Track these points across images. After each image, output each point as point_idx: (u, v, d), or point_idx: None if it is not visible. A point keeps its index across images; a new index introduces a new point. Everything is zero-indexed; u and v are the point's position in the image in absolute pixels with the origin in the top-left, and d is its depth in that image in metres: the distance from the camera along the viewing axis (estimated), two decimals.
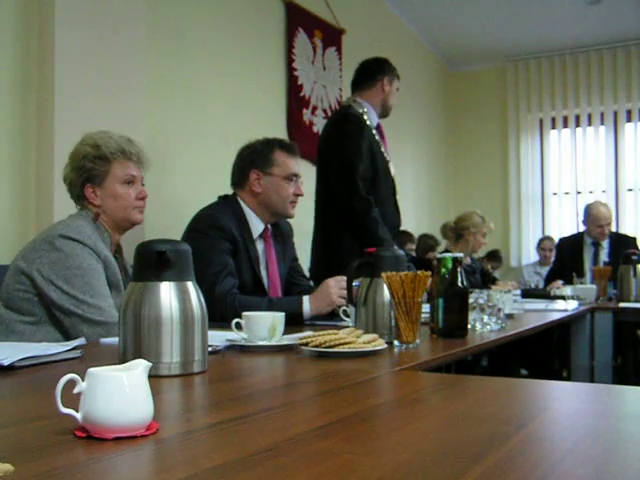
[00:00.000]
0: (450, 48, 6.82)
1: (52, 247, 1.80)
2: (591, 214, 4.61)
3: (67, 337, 1.79)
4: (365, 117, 3.02)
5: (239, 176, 2.41)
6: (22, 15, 2.49)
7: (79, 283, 1.78)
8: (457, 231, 4.31)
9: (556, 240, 6.55)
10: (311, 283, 2.66)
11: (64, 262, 1.79)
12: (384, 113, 3.17)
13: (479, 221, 4.29)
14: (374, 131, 3.04)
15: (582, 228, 4.89)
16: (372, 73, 3.14)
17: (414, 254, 5.22)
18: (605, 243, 4.62)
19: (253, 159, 2.38)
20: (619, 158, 6.62)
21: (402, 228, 5.15)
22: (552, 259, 6.52)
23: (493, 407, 0.99)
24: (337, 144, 2.92)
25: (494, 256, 6.34)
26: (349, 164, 2.86)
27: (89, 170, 1.94)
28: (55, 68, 2.48)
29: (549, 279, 4.70)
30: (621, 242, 4.56)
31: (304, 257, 2.99)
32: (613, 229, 4.97)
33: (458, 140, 7.25)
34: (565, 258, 4.75)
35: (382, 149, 3.06)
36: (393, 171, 3.14)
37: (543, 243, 6.59)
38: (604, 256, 4.56)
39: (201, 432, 0.82)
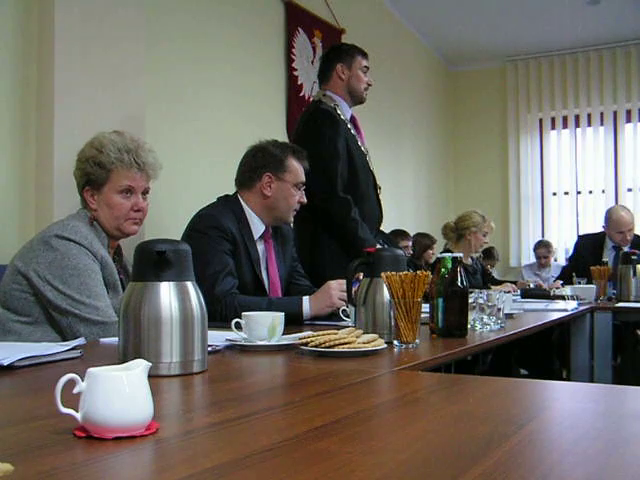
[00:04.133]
0: (450, 48, 6.82)
1: (48, 247, 1.80)
2: (612, 220, 4.37)
3: (64, 337, 1.79)
4: (338, 111, 2.88)
5: (249, 176, 2.36)
6: (22, 15, 2.49)
7: (75, 283, 1.78)
8: (458, 231, 4.31)
9: (553, 244, 6.53)
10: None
11: (60, 262, 1.78)
12: (356, 100, 2.98)
13: (480, 220, 4.28)
14: (349, 125, 2.91)
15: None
16: (328, 63, 2.98)
17: (411, 251, 5.20)
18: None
19: (267, 162, 2.34)
20: (618, 158, 6.62)
21: (399, 228, 5.18)
22: (552, 260, 6.52)
23: (493, 407, 0.99)
24: (313, 146, 2.69)
25: (489, 254, 6.32)
26: (327, 166, 2.74)
27: (89, 174, 1.94)
28: (55, 68, 2.48)
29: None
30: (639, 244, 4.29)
31: None
32: None
33: (458, 140, 7.25)
34: (584, 257, 4.44)
35: (359, 143, 2.93)
36: (372, 165, 2.99)
37: (538, 250, 6.54)
38: None
39: (201, 432, 0.82)
